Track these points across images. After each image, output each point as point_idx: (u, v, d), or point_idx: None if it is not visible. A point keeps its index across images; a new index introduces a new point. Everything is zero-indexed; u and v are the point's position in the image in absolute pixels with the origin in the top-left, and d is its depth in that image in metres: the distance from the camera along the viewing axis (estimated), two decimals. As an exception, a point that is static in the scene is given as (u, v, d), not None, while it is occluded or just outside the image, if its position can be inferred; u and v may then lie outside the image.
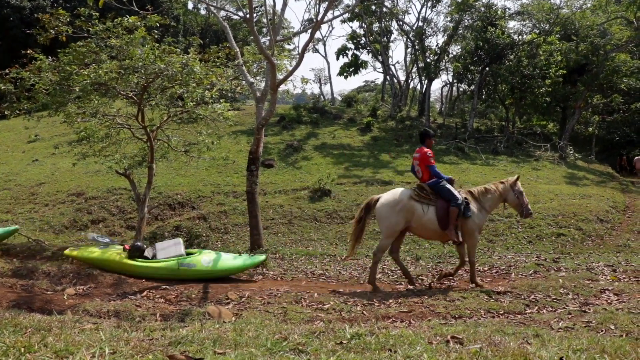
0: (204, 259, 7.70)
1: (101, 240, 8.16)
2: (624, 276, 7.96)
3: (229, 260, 7.97)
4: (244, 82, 10.47)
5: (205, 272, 7.62)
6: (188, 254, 7.93)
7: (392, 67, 33.04)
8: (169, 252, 7.75)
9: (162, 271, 7.49)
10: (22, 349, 2.90)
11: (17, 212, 12.78)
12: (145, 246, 7.99)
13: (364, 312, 6.19)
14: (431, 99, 32.93)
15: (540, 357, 3.21)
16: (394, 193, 7.30)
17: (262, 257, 8.41)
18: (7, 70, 8.75)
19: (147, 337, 3.57)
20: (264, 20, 31.77)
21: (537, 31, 26.32)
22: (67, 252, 7.75)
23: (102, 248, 7.80)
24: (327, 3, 9.04)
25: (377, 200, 7.33)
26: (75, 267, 8.01)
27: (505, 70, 23.00)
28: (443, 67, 30.48)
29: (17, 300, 6.30)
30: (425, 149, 7.26)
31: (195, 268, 7.57)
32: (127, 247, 7.75)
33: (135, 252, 7.63)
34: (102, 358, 2.88)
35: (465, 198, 7.12)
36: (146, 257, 7.77)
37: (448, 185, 7.08)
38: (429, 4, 29.11)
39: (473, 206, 7.15)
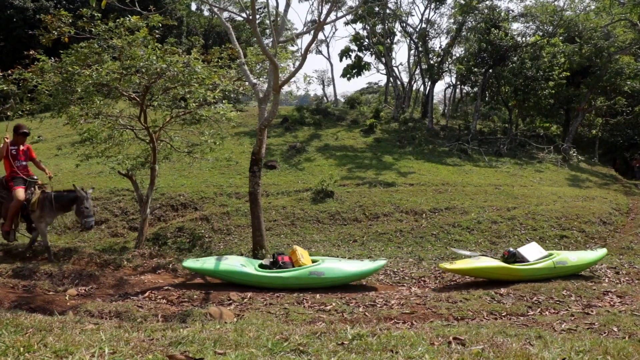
0: (570, 256, 8.24)
1: (468, 253, 8.89)
2: (627, 278, 7.93)
3: (579, 256, 8.37)
4: (246, 83, 10.47)
5: (570, 267, 8.10)
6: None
7: (395, 69, 33.04)
8: (535, 254, 8.24)
9: (542, 272, 7.97)
10: (22, 349, 2.89)
11: (20, 212, 12.79)
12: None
13: (366, 313, 6.18)
14: (434, 101, 32.89)
15: (543, 358, 3.20)
16: None
17: (604, 250, 8.79)
18: (9, 71, 8.78)
19: (148, 338, 3.56)
20: (267, 21, 31.89)
21: (541, 33, 26.23)
22: (442, 266, 8.14)
23: (475, 258, 8.30)
24: (330, 4, 9.04)
25: None
26: (77, 268, 8.02)
27: (509, 72, 22.95)
28: (446, 69, 30.44)
29: (18, 301, 6.30)
30: None
31: (567, 265, 8.07)
32: (506, 253, 8.29)
33: (511, 258, 8.16)
34: (101, 358, 2.86)
35: None
36: (520, 261, 8.17)
37: None
38: (432, 6, 29.10)
39: None
